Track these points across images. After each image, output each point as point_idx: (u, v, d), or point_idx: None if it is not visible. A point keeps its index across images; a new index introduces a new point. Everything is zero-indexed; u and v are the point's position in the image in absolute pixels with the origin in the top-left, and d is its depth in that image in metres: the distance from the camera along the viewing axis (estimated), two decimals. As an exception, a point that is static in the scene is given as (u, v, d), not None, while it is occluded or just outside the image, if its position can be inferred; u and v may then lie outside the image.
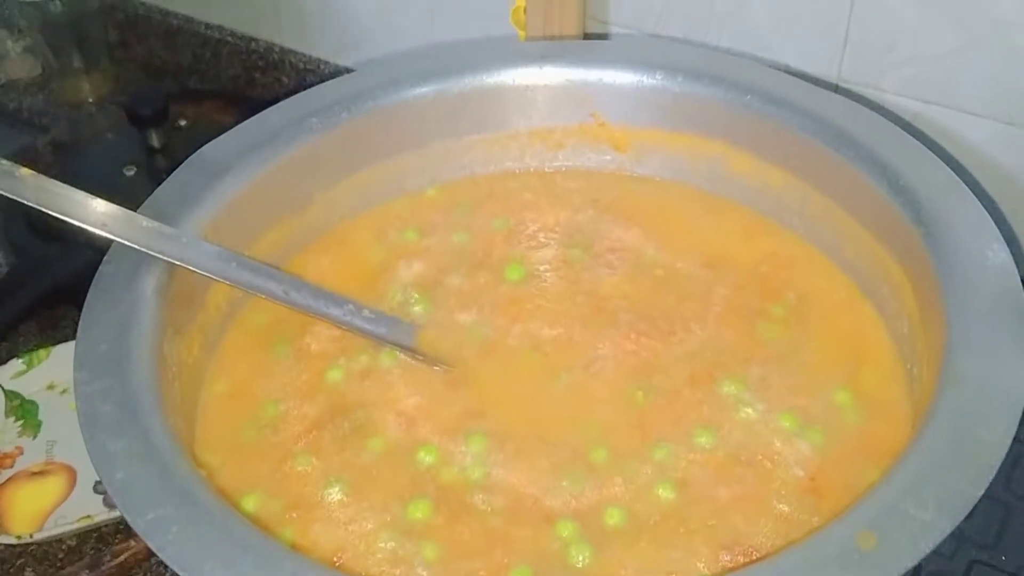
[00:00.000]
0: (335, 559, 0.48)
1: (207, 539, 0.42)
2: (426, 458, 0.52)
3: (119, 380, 0.48)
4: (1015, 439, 0.61)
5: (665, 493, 0.49)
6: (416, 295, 0.60)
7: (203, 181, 0.59)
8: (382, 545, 0.48)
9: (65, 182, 0.80)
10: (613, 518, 0.48)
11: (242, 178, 0.60)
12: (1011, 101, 0.65)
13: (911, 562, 0.38)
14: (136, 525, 0.42)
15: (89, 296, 0.52)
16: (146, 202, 0.58)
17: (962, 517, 0.40)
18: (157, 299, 0.53)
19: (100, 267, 0.54)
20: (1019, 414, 0.44)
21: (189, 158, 0.60)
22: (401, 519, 0.49)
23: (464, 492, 0.50)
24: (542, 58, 0.66)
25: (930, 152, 0.58)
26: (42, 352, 0.68)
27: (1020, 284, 0.50)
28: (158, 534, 0.42)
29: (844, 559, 0.39)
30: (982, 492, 0.41)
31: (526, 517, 0.49)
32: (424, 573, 0.47)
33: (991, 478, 0.41)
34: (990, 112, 0.66)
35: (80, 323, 0.51)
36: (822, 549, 0.40)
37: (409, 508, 0.49)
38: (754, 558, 0.46)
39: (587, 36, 0.75)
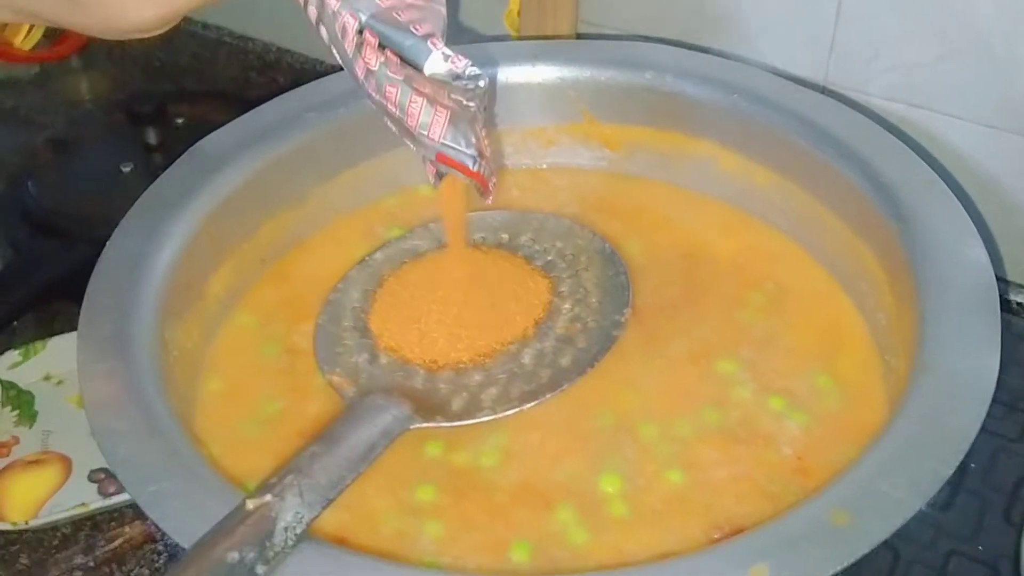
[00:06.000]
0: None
1: (207, 512, 0.42)
2: (433, 450, 0.52)
3: (121, 362, 0.49)
4: (993, 433, 0.63)
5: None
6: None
7: (201, 174, 0.59)
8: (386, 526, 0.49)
9: (63, 179, 0.81)
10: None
11: (239, 172, 0.60)
12: (992, 106, 0.66)
13: (881, 536, 0.40)
14: (138, 498, 0.43)
15: (91, 282, 0.53)
16: (145, 193, 0.59)
17: (931, 495, 0.41)
18: (158, 286, 0.54)
19: (103, 252, 0.55)
20: (987, 403, 0.45)
21: (188, 151, 0.61)
22: (407, 503, 0.50)
23: (474, 475, 0.51)
24: (534, 57, 0.67)
25: (910, 151, 0.59)
26: (39, 344, 0.68)
27: (994, 279, 0.51)
28: (158, 506, 0.43)
29: (818, 535, 0.40)
30: (951, 472, 0.42)
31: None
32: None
33: (959, 460, 0.43)
34: (972, 116, 0.67)
35: (83, 307, 0.52)
36: (797, 526, 0.41)
37: (417, 493, 0.50)
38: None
39: (580, 38, 0.76)
